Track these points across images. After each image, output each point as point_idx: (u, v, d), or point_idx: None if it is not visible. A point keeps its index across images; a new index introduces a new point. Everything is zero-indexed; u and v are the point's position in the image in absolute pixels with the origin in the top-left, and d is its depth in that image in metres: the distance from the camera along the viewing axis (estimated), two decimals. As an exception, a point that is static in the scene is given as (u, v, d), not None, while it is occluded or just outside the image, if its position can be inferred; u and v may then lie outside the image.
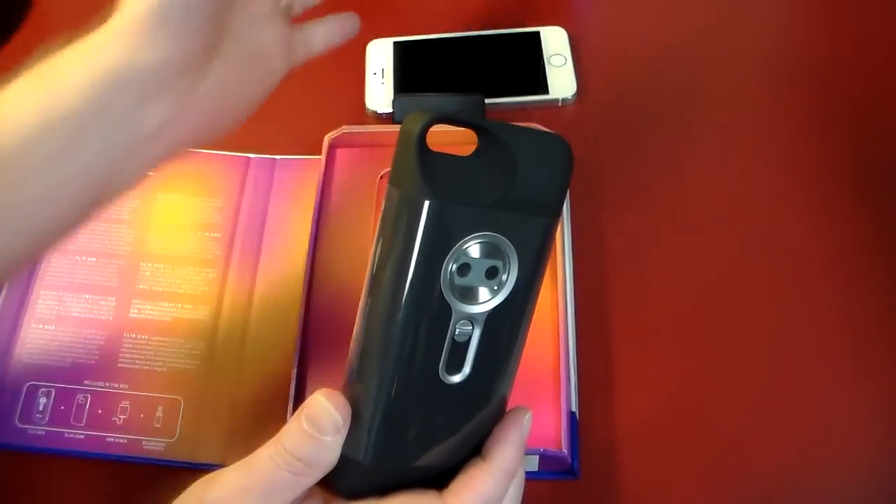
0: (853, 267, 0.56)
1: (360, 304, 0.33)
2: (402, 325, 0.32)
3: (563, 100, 0.64)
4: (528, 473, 0.48)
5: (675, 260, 0.57)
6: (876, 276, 0.55)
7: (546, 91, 0.65)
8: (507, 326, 0.34)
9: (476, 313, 0.33)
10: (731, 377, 0.52)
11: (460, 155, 0.32)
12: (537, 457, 0.48)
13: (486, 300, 0.33)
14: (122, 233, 0.57)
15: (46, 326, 0.54)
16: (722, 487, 0.49)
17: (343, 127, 0.60)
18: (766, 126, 0.63)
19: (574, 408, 0.49)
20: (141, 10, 0.38)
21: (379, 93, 0.65)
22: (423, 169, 0.31)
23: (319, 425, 0.32)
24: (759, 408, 0.51)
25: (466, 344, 0.33)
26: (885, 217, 0.57)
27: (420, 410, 0.34)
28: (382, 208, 0.32)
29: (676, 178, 0.60)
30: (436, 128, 0.31)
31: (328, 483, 0.34)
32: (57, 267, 0.56)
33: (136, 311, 0.54)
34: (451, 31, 0.68)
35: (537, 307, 0.52)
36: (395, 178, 0.32)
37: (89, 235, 0.57)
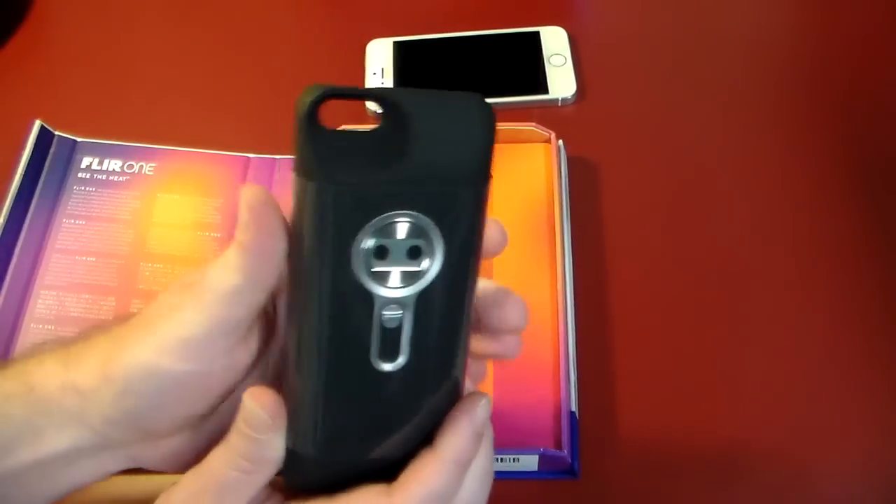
0: (853, 267, 0.56)
1: (286, 295, 0.32)
2: (323, 316, 0.30)
3: (563, 99, 0.64)
4: (527, 473, 0.49)
5: (676, 259, 0.57)
6: (876, 275, 0.55)
7: (546, 91, 0.65)
8: (443, 307, 0.32)
9: (403, 297, 0.31)
10: (731, 376, 0.52)
11: (361, 130, 0.30)
12: (537, 456, 0.48)
13: (413, 283, 0.31)
14: (122, 232, 0.57)
15: (46, 326, 0.54)
16: (722, 487, 0.49)
17: (343, 127, 0.60)
18: (766, 124, 0.63)
19: (574, 407, 0.49)
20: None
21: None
22: (315, 150, 0.29)
23: (252, 424, 0.32)
24: (760, 407, 0.51)
25: (398, 329, 0.31)
26: (886, 214, 0.57)
27: (361, 401, 0.32)
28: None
29: (676, 177, 0.60)
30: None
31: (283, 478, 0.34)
32: (56, 267, 0.56)
33: (135, 311, 0.54)
34: (450, 31, 0.68)
35: (536, 307, 0.52)
36: (295, 164, 0.29)
37: (89, 235, 0.57)
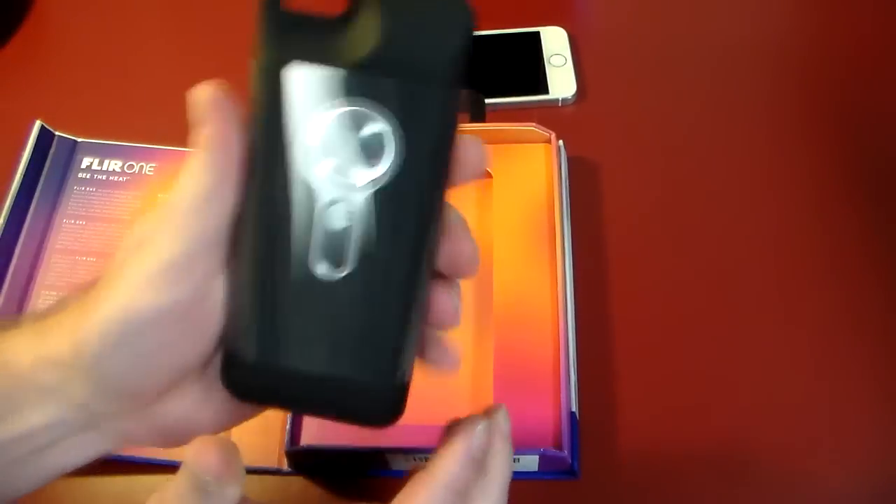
0: (854, 267, 0.56)
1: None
2: (263, 206, 0.29)
3: (563, 99, 0.64)
4: (528, 473, 0.49)
5: (676, 259, 0.57)
6: (876, 275, 0.55)
7: (546, 91, 0.65)
8: (398, 218, 0.29)
9: (351, 195, 0.29)
10: (731, 377, 0.52)
11: (325, 16, 0.28)
12: (537, 457, 0.48)
13: (364, 185, 0.29)
14: (122, 233, 0.57)
15: (46, 326, 0.54)
16: (722, 487, 0.49)
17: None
18: (767, 124, 0.63)
19: (574, 407, 0.49)
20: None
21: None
22: (271, 27, 0.27)
23: (198, 484, 0.30)
24: (760, 407, 0.51)
25: (343, 236, 0.29)
26: (886, 214, 0.57)
27: (299, 308, 0.30)
28: None
29: (676, 176, 0.60)
30: None
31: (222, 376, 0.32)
32: (57, 267, 0.56)
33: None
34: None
35: (537, 307, 0.52)
36: (253, 47, 0.28)
37: (89, 235, 0.57)
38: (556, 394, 0.49)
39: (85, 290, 0.32)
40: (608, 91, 0.65)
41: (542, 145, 0.59)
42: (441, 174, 0.30)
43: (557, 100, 0.64)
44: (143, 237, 0.30)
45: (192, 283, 0.30)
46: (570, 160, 0.60)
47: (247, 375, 0.31)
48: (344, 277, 0.29)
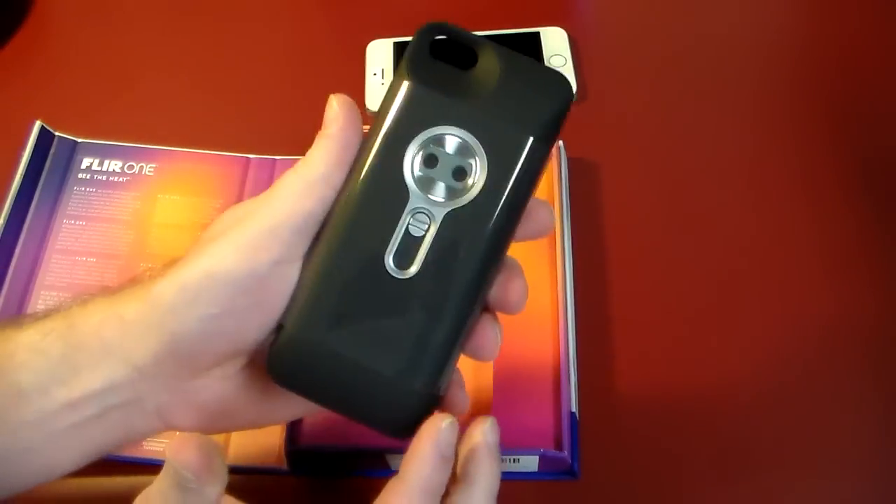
0: (856, 266, 0.56)
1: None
2: (358, 194, 0.33)
3: (563, 100, 0.64)
4: (527, 474, 0.49)
5: (676, 259, 0.57)
6: (879, 274, 0.55)
7: (546, 91, 0.65)
8: (467, 237, 0.34)
9: (434, 209, 0.33)
10: (731, 377, 0.52)
11: (457, 69, 0.35)
12: (537, 457, 0.48)
13: (448, 198, 0.33)
14: (122, 233, 0.57)
15: (46, 327, 0.54)
16: (723, 487, 0.49)
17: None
18: (767, 125, 0.63)
19: (574, 408, 0.49)
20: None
21: (379, 93, 0.65)
22: (416, 59, 0.34)
23: (178, 481, 0.31)
24: (760, 407, 0.51)
25: (420, 241, 0.33)
26: (888, 214, 0.58)
27: (362, 296, 0.33)
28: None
29: (677, 177, 0.60)
30: None
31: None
32: (57, 267, 0.56)
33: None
34: (450, 32, 0.68)
35: (537, 307, 0.52)
36: (398, 70, 0.34)
37: (89, 236, 0.57)
38: (556, 394, 0.49)
39: (166, 265, 0.35)
40: (608, 92, 0.65)
41: (542, 146, 0.59)
42: (512, 215, 0.34)
43: (557, 100, 0.64)
44: (244, 214, 0.34)
45: (271, 256, 0.33)
46: (570, 161, 0.60)
47: (289, 349, 0.34)
48: (409, 279, 0.33)
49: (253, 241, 0.33)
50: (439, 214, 0.33)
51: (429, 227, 0.33)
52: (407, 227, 0.33)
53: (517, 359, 0.51)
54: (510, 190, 0.33)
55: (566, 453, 0.47)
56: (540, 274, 0.53)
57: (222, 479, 0.31)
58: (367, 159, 0.34)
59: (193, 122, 0.65)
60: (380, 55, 0.67)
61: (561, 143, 0.59)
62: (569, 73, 0.65)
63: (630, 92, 0.65)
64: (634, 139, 0.63)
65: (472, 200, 0.33)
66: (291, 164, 0.60)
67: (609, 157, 0.62)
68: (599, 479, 0.49)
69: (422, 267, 0.33)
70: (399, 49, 0.67)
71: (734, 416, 0.51)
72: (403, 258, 0.33)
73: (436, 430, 0.33)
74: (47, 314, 0.36)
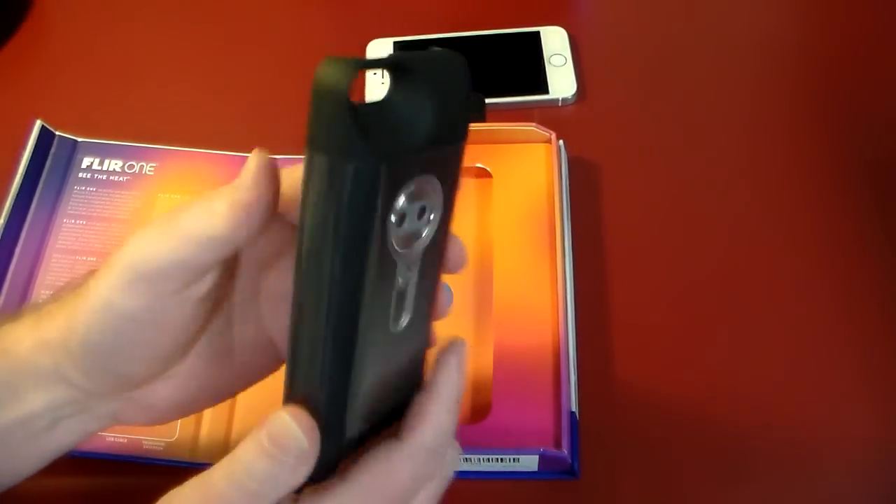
0: (857, 264, 0.56)
1: (295, 292, 0.30)
2: (362, 292, 0.29)
3: (563, 99, 0.65)
4: (527, 473, 0.49)
5: (676, 259, 0.57)
6: (880, 271, 0.55)
7: (546, 91, 0.65)
8: (435, 259, 0.32)
9: (413, 257, 0.31)
10: (732, 376, 0.52)
11: (377, 100, 0.29)
12: (537, 456, 0.48)
13: (417, 242, 0.31)
14: (123, 232, 0.57)
15: (46, 326, 0.54)
16: (722, 487, 0.49)
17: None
18: (767, 124, 0.63)
19: (574, 407, 0.49)
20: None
21: (379, 92, 0.65)
22: (357, 127, 0.26)
23: (282, 446, 0.30)
24: (760, 407, 0.51)
25: (405, 290, 0.31)
26: (889, 213, 0.58)
27: (379, 366, 0.32)
28: (304, 179, 0.28)
29: (677, 176, 0.60)
30: None
31: None
32: (57, 266, 0.56)
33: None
34: (451, 31, 0.68)
35: (537, 306, 0.52)
36: (321, 141, 0.27)
37: (89, 235, 0.57)
38: (555, 393, 0.49)
39: (81, 282, 0.34)
40: (608, 91, 0.65)
41: (542, 145, 0.59)
42: (452, 215, 0.32)
43: (557, 100, 0.65)
44: (137, 236, 0.33)
45: (158, 294, 0.33)
46: (569, 160, 0.60)
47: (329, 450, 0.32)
48: (404, 328, 0.32)
49: (141, 279, 0.32)
50: (416, 259, 0.31)
51: (411, 274, 0.31)
52: (398, 288, 0.31)
53: (517, 358, 0.51)
54: (455, 197, 0.32)
55: (566, 453, 0.47)
56: (540, 273, 0.53)
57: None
58: (347, 255, 0.28)
59: (194, 122, 0.65)
60: (380, 55, 0.67)
61: (561, 142, 0.59)
62: (569, 72, 0.65)
63: (630, 91, 0.65)
64: (634, 138, 0.63)
65: (436, 229, 0.31)
66: (291, 163, 0.60)
67: (609, 156, 0.62)
68: (599, 478, 0.49)
69: (412, 309, 0.32)
70: (399, 49, 0.67)
71: (734, 416, 0.51)
72: (399, 314, 0.32)
73: (460, 348, 0.35)
74: None
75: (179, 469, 0.50)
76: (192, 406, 0.39)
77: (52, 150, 0.60)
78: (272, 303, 0.37)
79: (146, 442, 0.50)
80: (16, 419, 0.35)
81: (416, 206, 0.30)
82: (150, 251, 0.32)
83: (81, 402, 0.36)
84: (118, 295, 0.33)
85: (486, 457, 0.48)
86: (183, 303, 0.34)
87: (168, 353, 0.35)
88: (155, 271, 0.32)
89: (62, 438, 0.37)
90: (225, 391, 0.39)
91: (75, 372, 0.35)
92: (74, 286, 0.35)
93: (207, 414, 0.51)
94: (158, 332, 0.34)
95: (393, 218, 0.29)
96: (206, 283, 0.34)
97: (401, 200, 0.29)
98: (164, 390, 0.37)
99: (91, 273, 0.34)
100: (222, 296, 0.37)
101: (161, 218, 0.33)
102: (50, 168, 0.59)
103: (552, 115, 0.63)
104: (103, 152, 0.61)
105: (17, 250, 0.56)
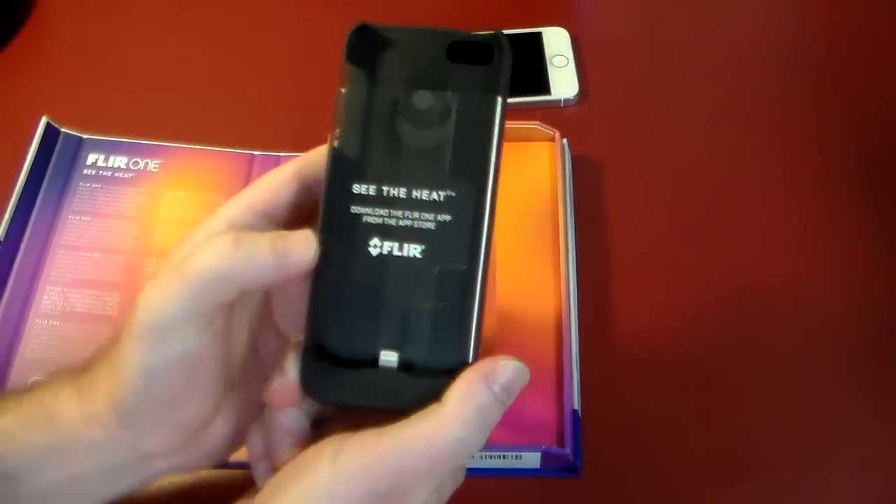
0: (859, 266, 0.56)
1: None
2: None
3: (566, 100, 0.65)
4: (530, 471, 0.49)
5: (679, 257, 0.57)
6: (882, 273, 0.55)
7: (548, 91, 0.65)
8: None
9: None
10: (734, 375, 0.52)
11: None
12: (539, 454, 0.48)
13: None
14: (127, 228, 0.57)
15: (51, 322, 0.54)
16: (725, 486, 0.49)
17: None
18: (769, 123, 0.63)
19: (576, 405, 0.50)
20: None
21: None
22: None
23: (514, 392, 0.34)
24: (762, 406, 0.51)
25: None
26: (890, 214, 0.58)
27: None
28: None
29: (679, 174, 0.61)
30: None
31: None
32: (62, 262, 0.56)
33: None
34: (453, 31, 0.68)
35: (540, 304, 0.52)
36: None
37: (94, 231, 0.57)
38: (558, 391, 0.49)
39: (110, 346, 0.35)
40: (610, 91, 0.66)
41: (545, 143, 0.59)
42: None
43: (560, 100, 0.65)
44: (149, 295, 0.33)
45: (183, 340, 0.33)
46: (572, 160, 0.60)
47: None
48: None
49: (155, 335, 0.33)
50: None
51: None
52: None
53: (520, 356, 0.51)
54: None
55: (568, 450, 0.47)
56: (543, 271, 0.54)
57: None
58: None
59: (198, 119, 0.65)
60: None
61: (565, 140, 0.59)
62: (571, 73, 0.66)
63: (632, 91, 0.66)
64: (637, 137, 0.63)
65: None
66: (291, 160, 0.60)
67: (612, 155, 0.62)
68: (602, 476, 0.49)
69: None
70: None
71: (737, 415, 0.51)
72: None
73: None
74: (18, 402, 0.37)
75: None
76: (243, 434, 0.38)
77: (58, 146, 0.60)
78: (285, 308, 0.38)
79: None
80: (68, 477, 0.36)
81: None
82: (161, 305, 0.33)
83: (141, 459, 0.36)
84: (148, 357, 0.33)
85: (488, 454, 0.48)
86: (215, 337, 0.34)
87: (218, 384, 0.36)
88: (172, 321, 0.33)
89: (117, 488, 0.37)
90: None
91: (133, 438, 0.35)
92: (105, 350, 0.35)
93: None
94: (202, 370, 0.35)
95: None
96: (222, 320, 0.35)
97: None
98: (226, 429, 0.37)
99: (120, 333, 0.34)
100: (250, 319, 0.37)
101: (172, 261, 0.34)
102: (55, 164, 0.60)
103: (554, 116, 0.64)
104: (108, 149, 0.61)
105: (23, 246, 0.56)
